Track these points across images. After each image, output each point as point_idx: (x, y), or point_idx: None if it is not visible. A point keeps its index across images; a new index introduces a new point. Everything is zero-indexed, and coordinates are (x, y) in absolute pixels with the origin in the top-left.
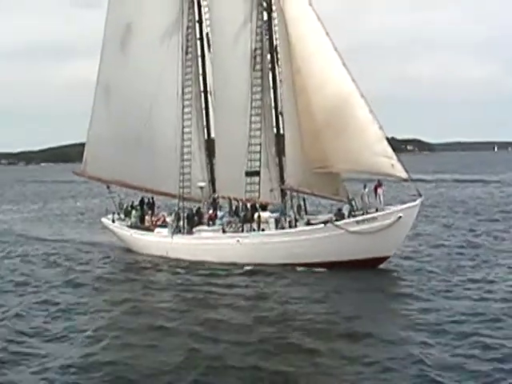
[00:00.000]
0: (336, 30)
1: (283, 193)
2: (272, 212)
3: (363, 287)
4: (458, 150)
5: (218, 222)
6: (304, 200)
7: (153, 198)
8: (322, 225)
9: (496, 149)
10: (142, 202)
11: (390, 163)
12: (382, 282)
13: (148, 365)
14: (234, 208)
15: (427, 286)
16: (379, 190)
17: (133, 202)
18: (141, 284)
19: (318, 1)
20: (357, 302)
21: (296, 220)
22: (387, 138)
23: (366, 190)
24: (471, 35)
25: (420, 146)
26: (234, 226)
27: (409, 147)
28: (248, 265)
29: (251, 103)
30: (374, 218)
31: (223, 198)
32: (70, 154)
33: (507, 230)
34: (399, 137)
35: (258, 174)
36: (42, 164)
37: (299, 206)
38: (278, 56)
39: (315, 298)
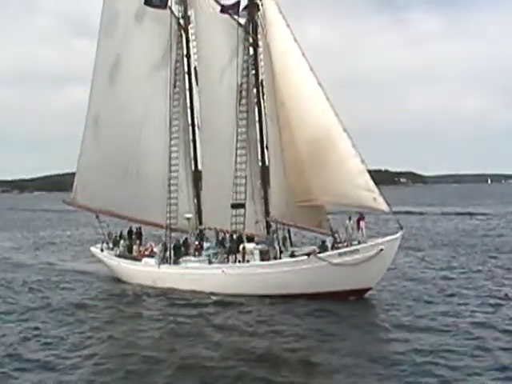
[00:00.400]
0: (335, 62)
1: (268, 225)
2: (259, 243)
3: (331, 318)
4: (451, 182)
5: (203, 252)
6: (289, 232)
7: (140, 228)
8: (306, 257)
9: (490, 181)
10: (130, 231)
11: (372, 196)
12: (352, 313)
13: None
14: (220, 239)
15: (394, 317)
16: (361, 223)
17: (121, 232)
18: (123, 313)
19: (318, 33)
20: (321, 332)
21: (281, 252)
22: (369, 171)
23: (351, 222)
24: (462, 69)
25: (413, 178)
26: (219, 256)
27: (402, 179)
28: (232, 295)
29: (237, 137)
30: (356, 251)
31: (209, 229)
32: (65, 182)
33: (484, 263)
34: (393, 169)
35: (243, 206)
36: (36, 193)
37: (284, 238)
38: (264, 90)
39: (278, 329)
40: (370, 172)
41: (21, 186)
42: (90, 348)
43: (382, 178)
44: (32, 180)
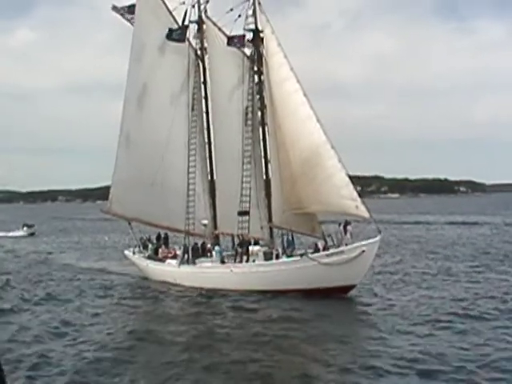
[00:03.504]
0: (397, 70)
1: (271, 230)
2: (263, 246)
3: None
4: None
5: (214, 254)
6: (292, 236)
7: (167, 233)
8: (299, 257)
9: None
10: (158, 236)
11: (354, 205)
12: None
13: None
14: (235, 242)
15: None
16: (348, 228)
17: (149, 236)
18: (148, 302)
19: (381, 41)
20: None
21: (283, 253)
22: (352, 182)
23: (340, 227)
24: None
25: (473, 187)
26: (231, 257)
27: (462, 188)
28: (237, 290)
29: (243, 153)
30: (341, 252)
31: (222, 234)
32: None
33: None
34: (452, 178)
35: (247, 213)
36: (98, 201)
37: (288, 242)
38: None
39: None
40: (352, 182)
41: (84, 195)
42: (130, 325)
43: (441, 186)
44: (95, 189)
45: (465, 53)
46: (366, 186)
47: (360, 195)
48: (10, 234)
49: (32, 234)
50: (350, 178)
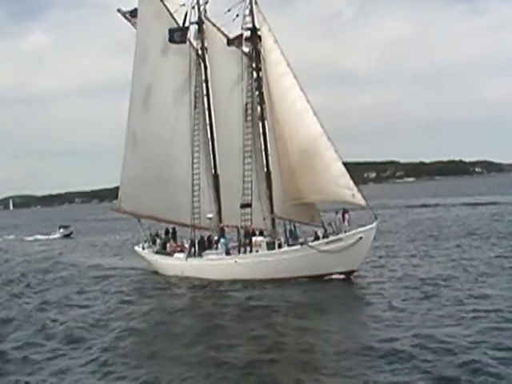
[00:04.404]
0: (413, 54)
1: (273, 220)
2: (266, 236)
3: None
4: None
5: (219, 246)
6: (295, 226)
7: (175, 228)
8: (299, 246)
9: None
10: (166, 231)
11: (351, 193)
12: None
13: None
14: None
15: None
16: (346, 216)
17: (157, 232)
18: (157, 294)
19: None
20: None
21: (285, 242)
22: (348, 171)
23: (338, 215)
24: None
25: (489, 167)
26: (236, 249)
27: (477, 169)
28: (243, 280)
29: (244, 147)
30: (339, 239)
31: (227, 226)
32: None
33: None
34: (467, 159)
35: (249, 205)
36: (114, 201)
37: (290, 231)
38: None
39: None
40: (349, 172)
41: (100, 195)
42: (139, 318)
43: (456, 168)
44: (111, 189)
45: (476, 34)
46: (381, 171)
47: (356, 183)
48: (51, 236)
49: (68, 235)
50: (346, 167)
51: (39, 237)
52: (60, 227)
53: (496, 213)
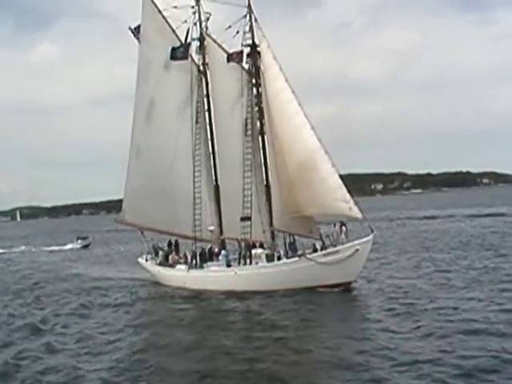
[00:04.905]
0: (418, 65)
1: (273, 233)
2: (265, 249)
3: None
4: None
5: (220, 258)
6: (294, 239)
7: (177, 240)
8: (298, 258)
9: None
10: (169, 243)
11: (348, 207)
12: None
13: None
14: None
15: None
16: (343, 228)
17: (158, 244)
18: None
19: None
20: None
21: (285, 255)
22: (345, 185)
23: (336, 228)
24: None
25: (496, 178)
26: (237, 261)
27: (485, 180)
28: (242, 292)
29: (244, 162)
30: (337, 251)
31: (228, 238)
32: None
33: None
34: (475, 170)
35: (249, 219)
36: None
37: (290, 244)
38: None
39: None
40: (345, 185)
41: (108, 207)
42: (142, 327)
43: (463, 179)
44: (119, 201)
45: (485, 43)
46: (388, 182)
47: (352, 196)
48: (67, 247)
49: (86, 246)
50: (343, 180)
51: (55, 248)
52: (78, 238)
53: (494, 224)
